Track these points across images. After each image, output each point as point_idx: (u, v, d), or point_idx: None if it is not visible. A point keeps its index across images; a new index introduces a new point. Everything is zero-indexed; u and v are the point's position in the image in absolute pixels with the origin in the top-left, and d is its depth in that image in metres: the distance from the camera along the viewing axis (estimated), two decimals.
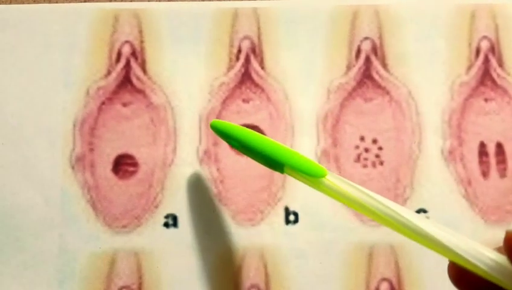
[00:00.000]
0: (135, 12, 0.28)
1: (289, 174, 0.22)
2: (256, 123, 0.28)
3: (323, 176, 0.21)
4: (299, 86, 0.28)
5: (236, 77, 0.28)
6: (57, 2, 0.29)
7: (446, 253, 0.19)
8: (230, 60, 0.28)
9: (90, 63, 0.28)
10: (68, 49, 0.28)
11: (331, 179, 0.21)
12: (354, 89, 0.28)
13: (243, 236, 0.27)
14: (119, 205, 0.27)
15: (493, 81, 0.28)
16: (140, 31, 0.28)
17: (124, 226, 0.27)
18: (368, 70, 0.28)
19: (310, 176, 0.21)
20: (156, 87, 0.28)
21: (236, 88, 0.28)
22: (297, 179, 0.22)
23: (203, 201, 0.27)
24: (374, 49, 0.28)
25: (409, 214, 0.20)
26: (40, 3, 0.29)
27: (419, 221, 0.19)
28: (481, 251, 0.18)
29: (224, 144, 0.27)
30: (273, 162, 0.22)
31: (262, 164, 0.23)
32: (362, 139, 0.28)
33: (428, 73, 0.28)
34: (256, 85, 0.28)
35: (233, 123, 0.24)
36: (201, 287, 0.26)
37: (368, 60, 0.28)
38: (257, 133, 0.23)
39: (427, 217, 0.27)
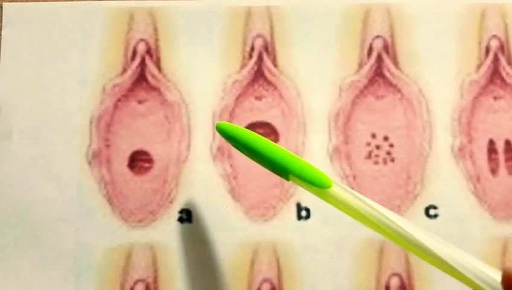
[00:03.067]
0: (150, 11, 0.29)
1: (294, 182, 0.22)
2: (268, 120, 0.28)
3: (329, 186, 0.21)
4: (312, 84, 0.28)
5: (249, 75, 0.29)
6: (72, 0, 0.29)
7: (447, 269, 0.19)
8: (244, 57, 0.29)
9: (106, 61, 0.28)
10: (84, 47, 0.28)
11: (337, 189, 0.21)
12: (366, 87, 0.28)
13: (255, 231, 0.27)
14: (134, 200, 0.27)
15: (502, 80, 0.29)
16: (155, 29, 0.29)
17: (140, 221, 0.27)
18: (380, 68, 0.29)
19: (314, 186, 0.21)
20: (170, 85, 0.28)
21: (249, 86, 0.28)
22: (302, 187, 0.22)
23: (217, 197, 0.28)
24: (386, 48, 0.29)
25: (413, 229, 0.19)
26: (56, 0, 0.29)
27: (421, 236, 0.19)
28: (481, 269, 0.18)
29: None
30: (279, 169, 0.22)
31: (267, 169, 0.23)
32: (373, 136, 0.28)
33: (439, 71, 0.28)
34: (269, 83, 0.28)
35: (239, 126, 0.24)
36: (214, 281, 0.27)
37: (379, 58, 0.29)
38: (264, 138, 0.23)
39: (437, 214, 0.27)
